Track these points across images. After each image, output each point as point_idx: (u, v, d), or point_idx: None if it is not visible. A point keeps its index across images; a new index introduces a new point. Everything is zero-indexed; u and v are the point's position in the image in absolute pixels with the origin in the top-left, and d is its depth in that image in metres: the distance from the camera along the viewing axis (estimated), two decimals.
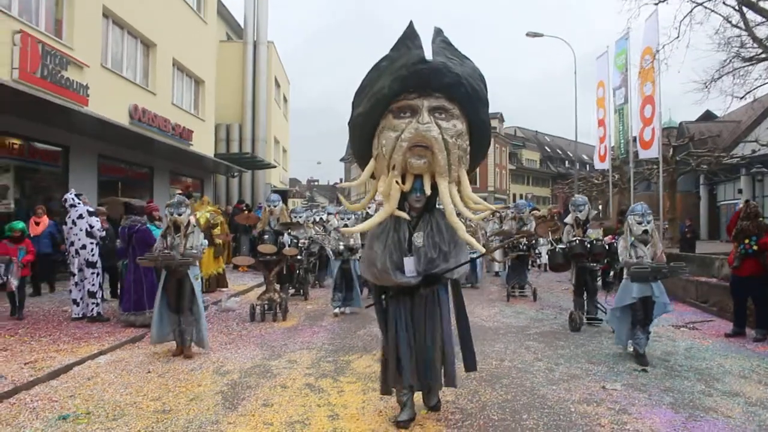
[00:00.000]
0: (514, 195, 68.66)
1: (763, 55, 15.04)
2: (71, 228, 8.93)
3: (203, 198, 17.11)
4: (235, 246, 16.60)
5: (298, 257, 10.74)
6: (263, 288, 10.32)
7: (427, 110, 4.39)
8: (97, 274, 8.97)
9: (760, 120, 29.51)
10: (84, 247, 8.85)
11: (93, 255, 8.92)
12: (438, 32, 4.78)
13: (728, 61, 14.91)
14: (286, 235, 9.97)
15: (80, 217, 8.87)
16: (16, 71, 12.03)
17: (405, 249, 4.59)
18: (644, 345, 6.90)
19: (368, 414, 4.89)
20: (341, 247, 10.26)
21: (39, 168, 14.16)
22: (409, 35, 4.39)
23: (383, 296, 4.80)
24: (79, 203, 9.01)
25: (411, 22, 4.45)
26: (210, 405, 5.24)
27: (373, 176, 4.86)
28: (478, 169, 64.13)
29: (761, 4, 14.47)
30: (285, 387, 5.80)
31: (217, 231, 13.39)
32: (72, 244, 8.93)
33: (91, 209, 9.08)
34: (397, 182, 4.47)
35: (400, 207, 4.61)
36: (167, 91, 20.16)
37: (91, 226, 8.89)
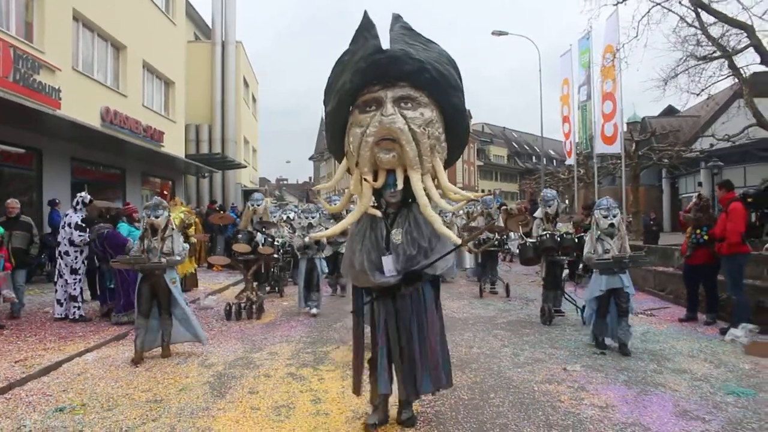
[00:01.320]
0: (483, 190, 69.39)
1: (716, 54, 15.77)
2: (62, 229, 9.25)
3: (176, 199, 17.28)
4: (210, 246, 16.82)
5: (274, 256, 10.85)
6: (239, 287, 10.61)
7: (391, 101, 4.22)
8: (79, 280, 9.20)
9: (717, 115, 30.46)
10: (67, 253, 9.10)
11: (75, 261, 9.15)
12: (396, 18, 4.64)
13: (683, 59, 15.58)
14: (259, 234, 10.07)
15: (69, 225, 9.11)
16: None
17: (383, 247, 4.41)
18: (609, 333, 7.22)
19: (348, 397, 5.25)
20: (306, 240, 10.06)
21: (12, 171, 14.24)
22: (366, 26, 4.22)
23: (369, 297, 4.59)
24: (80, 209, 9.30)
25: (366, 12, 4.29)
26: (199, 394, 5.58)
27: (350, 174, 4.66)
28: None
29: (713, 5, 15.18)
30: (268, 376, 6.17)
31: (191, 231, 13.62)
32: (58, 244, 9.21)
33: (79, 222, 9.22)
34: (365, 179, 4.33)
35: (377, 204, 4.50)
36: (138, 92, 20.27)
37: (72, 240, 9.11)
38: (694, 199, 9.37)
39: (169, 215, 7.35)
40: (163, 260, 6.95)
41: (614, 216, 7.21)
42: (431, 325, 4.46)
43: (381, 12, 4.78)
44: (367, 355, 4.65)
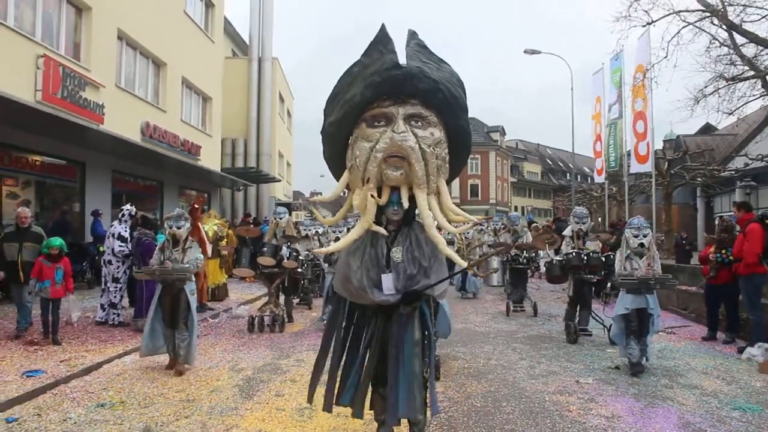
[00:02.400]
0: (515, 207, 69.39)
1: (747, 74, 15.80)
2: (108, 239, 9.79)
3: (210, 211, 17.83)
4: (236, 258, 17.28)
5: (298, 270, 10.65)
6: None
7: (402, 118, 4.13)
8: (120, 288, 9.67)
9: (754, 134, 30.20)
10: (110, 262, 9.61)
11: (117, 271, 9.64)
12: (412, 35, 4.56)
13: (712, 80, 15.63)
14: (284, 248, 10.08)
15: (113, 235, 9.63)
16: (40, 93, 12.82)
17: (383, 265, 4.29)
18: (637, 356, 6.98)
19: (368, 401, 5.55)
20: (334, 257, 9.84)
21: (57, 183, 14.95)
22: (382, 39, 4.16)
23: (355, 313, 4.53)
24: (125, 221, 9.83)
25: (383, 26, 4.23)
26: (229, 395, 5.97)
27: (348, 188, 4.55)
28: (479, 181, 65.13)
29: (745, 25, 15.24)
30: (294, 381, 6.53)
31: (223, 243, 14.10)
32: (102, 253, 9.76)
33: (123, 233, 9.68)
34: (372, 196, 4.19)
35: (377, 220, 4.34)
36: (177, 108, 21.00)
37: (113, 250, 9.61)
38: (717, 221, 9.50)
39: (192, 227, 7.48)
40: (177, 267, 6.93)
41: (645, 236, 7.16)
42: (427, 346, 4.36)
43: (402, 27, 4.76)
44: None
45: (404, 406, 4.14)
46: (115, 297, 9.55)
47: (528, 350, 8.27)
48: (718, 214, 35.02)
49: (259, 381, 6.55)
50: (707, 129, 39.08)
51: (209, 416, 5.30)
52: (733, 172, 28.55)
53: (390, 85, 4.09)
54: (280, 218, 10.36)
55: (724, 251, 8.91)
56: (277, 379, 6.63)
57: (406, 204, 4.23)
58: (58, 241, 8.27)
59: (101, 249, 13.63)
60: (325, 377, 4.49)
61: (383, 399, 4.40)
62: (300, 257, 10.67)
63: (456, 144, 4.47)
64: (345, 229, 10.44)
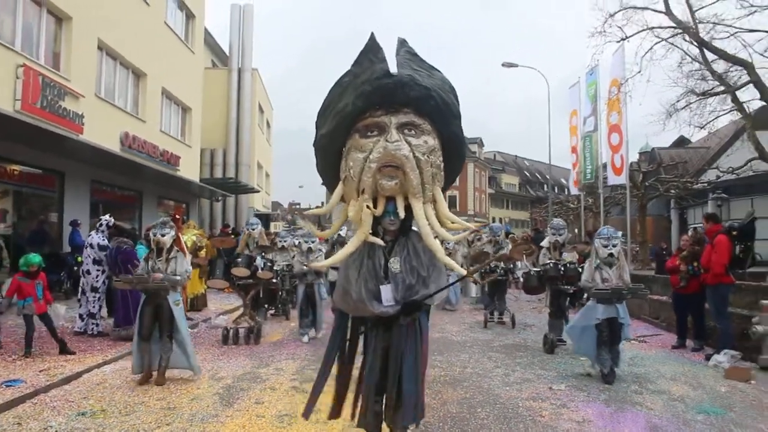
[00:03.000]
0: (493, 218, 69.89)
1: (717, 89, 16.24)
2: (86, 249, 9.79)
3: (189, 222, 17.83)
4: (210, 269, 17.26)
5: (273, 280, 10.59)
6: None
7: (395, 127, 4.10)
8: (99, 298, 9.68)
9: (725, 147, 30.85)
10: (89, 272, 9.62)
11: (97, 280, 9.66)
12: (402, 43, 4.54)
13: (683, 94, 16.04)
14: (259, 258, 9.96)
15: (91, 245, 9.64)
16: (19, 102, 12.80)
17: (381, 276, 4.27)
18: (609, 364, 7.10)
19: (346, 408, 5.66)
20: (305, 268, 9.92)
21: (36, 192, 14.89)
22: (372, 48, 4.13)
23: (361, 327, 4.54)
24: (102, 232, 9.85)
25: (372, 34, 4.19)
26: (209, 403, 6.06)
27: (343, 199, 4.51)
28: (457, 193, 65.55)
29: (715, 42, 15.68)
30: (274, 389, 6.64)
31: (202, 253, 14.13)
32: (81, 264, 9.76)
33: (102, 242, 9.71)
34: (368, 207, 4.15)
35: (374, 231, 4.30)
36: (156, 118, 20.98)
37: (95, 260, 9.63)
38: (690, 233, 9.77)
39: (176, 235, 7.33)
40: (161, 277, 6.87)
41: (614, 246, 7.25)
42: (424, 356, 4.41)
43: (387, 37, 4.70)
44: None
45: (409, 414, 4.19)
46: (93, 307, 9.56)
47: (503, 359, 8.45)
48: (692, 226, 35.72)
49: (239, 389, 6.65)
50: (681, 142, 39.78)
51: (190, 423, 5.39)
52: (706, 185, 29.13)
53: (381, 94, 4.08)
54: (253, 229, 10.34)
55: (696, 264, 9.16)
56: (256, 387, 6.73)
57: (402, 214, 4.20)
58: (36, 258, 8.12)
59: (79, 259, 13.63)
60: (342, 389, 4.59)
61: (381, 409, 4.36)
62: (275, 268, 10.53)
63: (449, 151, 4.45)
64: (316, 240, 10.31)
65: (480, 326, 11.58)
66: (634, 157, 35.13)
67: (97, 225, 10.05)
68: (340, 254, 4.47)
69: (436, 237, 4.28)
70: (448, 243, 12.19)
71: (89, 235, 10.08)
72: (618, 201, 33.35)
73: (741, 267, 8.96)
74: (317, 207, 4.81)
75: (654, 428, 5.30)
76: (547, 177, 52.18)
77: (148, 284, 6.87)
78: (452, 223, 4.47)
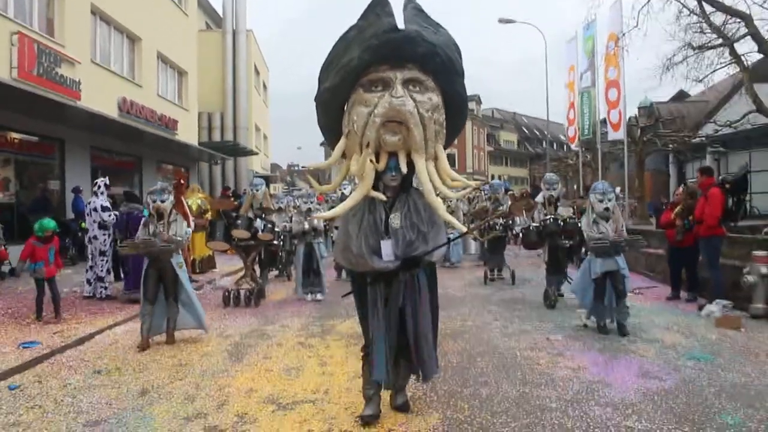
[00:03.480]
0: (492, 176, 69.83)
1: (714, 43, 16.21)
2: (89, 216, 9.93)
3: (193, 186, 17.97)
4: (210, 231, 17.38)
5: (273, 242, 10.57)
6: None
7: (400, 83, 4.10)
8: (106, 261, 9.88)
9: (724, 101, 30.78)
10: (96, 237, 9.78)
11: (104, 245, 9.83)
12: None
13: (680, 48, 16.01)
14: (258, 220, 9.89)
15: (95, 209, 9.78)
16: (15, 70, 12.85)
17: (382, 231, 4.28)
18: (605, 316, 7.28)
19: (351, 361, 5.92)
20: (306, 227, 9.97)
21: (37, 160, 15.00)
22: (379, 2, 4.12)
23: (363, 282, 4.49)
24: (102, 193, 9.93)
25: None
26: (219, 359, 6.30)
27: (344, 155, 4.52)
28: (456, 151, 65.50)
29: None
30: (280, 345, 6.88)
31: (207, 216, 14.30)
32: (87, 231, 9.92)
33: (105, 204, 9.83)
34: (371, 161, 4.17)
35: (375, 187, 4.29)
36: (153, 83, 21.00)
37: (104, 221, 9.77)
38: (681, 187, 9.90)
39: (176, 200, 7.48)
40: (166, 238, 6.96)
41: (609, 200, 7.26)
42: (424, 311, 4.40)
43: None
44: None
45: (430, 368, 4.43)
46: (101, 271, 9.77)
47: (502, 312, 8.69)
48: (689, 181, 35.88)
49: (247, 346, 6.89)
50: (680, 96, 39.58)
51: (202, 378, 5.63)
52: (704, 139, 29.16)
53: (388, 49, 4.06)
54: (257, 190, 10.30)
55: (691, 217, 9.31)
56: (263, 344, 6.97)
57: (404, 169, 4.25)
58: (51, 223, 8.24)
59: (83, 225, 13.81)
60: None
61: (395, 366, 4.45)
62: (276, 229, 10.45)
63: (452, 109, 4.45)
64: (315, 199, 10.33)
65: (480, 282, 11.79)
66: (631, 112, 35.07)
67: (95, 189, 10.15)
68: (341, 207, 4.55)
69: (437, 194, 4.35)
70: (450, 200, 12.32)
71: (89, 202, 10.18)
72: (616, 156, 33.36)
73: (733, 219, 9.15)
74: (315, 168, 4.78)
75: (645, 373, 5.53)
76: (546, 133, 52.26)
77: (154, 248, 6.91)
78: (453, 180, 4.48)
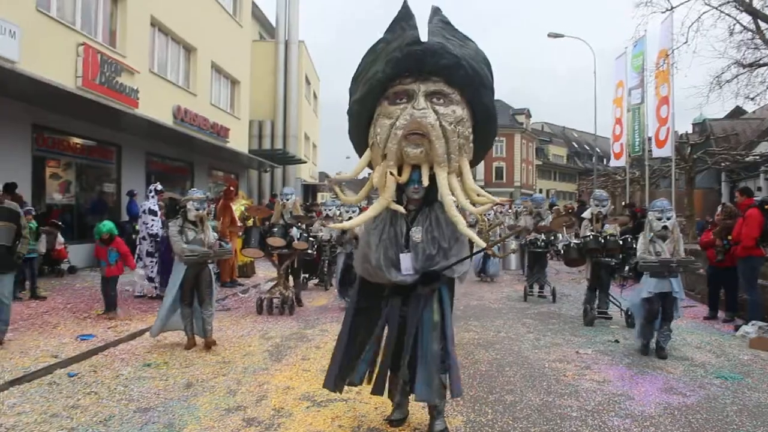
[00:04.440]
0: (540, 190, 69.40)
1: (765, 60, 15.98)
2: (140, 217, 10.50)
3: (239, 193, 18.53)
4: (245, 238, 17.63)
5: (309, 251, 10.44)
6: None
7: (423, 95, 4.12)
8: (155, 263, 10.35)
9: None
10: (145, 238, 10.30)
11: (152, 246, 10.33)
12: (435, 11, 4.53)
13: (728, 67, 15.85)
14: (294, 228, 9.86)
15: (145, 212, 10.32)
16: (80, 79, 13.55)
17: (402, 244, 4.26)
18: (650, 338, 7.10)
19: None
20: (347, 236, 9.90)
21: (96, 164, 15.73)
22: (404, 16, 4.17)
23: (383, 294, 4.46)
24: (153, 197, 10.46)
25: (405, 2, 4.24)
26: (260, 358, 6.66)
27: (372, 167, 4.52)
28: (504, 164, 65.26)
29: (766, 11, 15.39)
30: (318, 348, 7.20)
31: (249, 222, 14.77)
32: (139, 232, 10.49)
33: (153, 208, 10.33)
34: (391, 173, 4.17)
35: (398, 200, 4.33)
36: (206, 92, 21.72)
37: (146, 224, 10.28)
38: (720, 208, 9.89)
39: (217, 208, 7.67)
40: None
41: (668, 218, 7.06)
42: (447, 329, 4.30)
43: (426, 5, 4.63)
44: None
45: (422, 391, 4.15)
46: (151, 271, 10.27)
47: (536, 325, 8.84)
48: (766, 197, 34.87)
49: (287, 347, 7.24)
50: (736, 113, 38.73)
51: (243, 375, 5.99)
52: (757, 157, 28.53)
53: (411, 61, 4.10)
54: (287, 200, 10.10)
55: (729, 237, 9.32)
56: (303, 346, 7.31)
57: (425, 182, 4.21)
58: (106, 227, 8.64)
59: (136, 227, 14.47)
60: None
61: (399, 381, 4.47)
62: (323, 236, 10.53)
63: (481, 124, 4.44)
64: (358, 210, 10.03)
65: (517, 295, 11.84)
66: (686, 128, 34.47)
67: (148, 193, 10.72)
68: (360, 218, 4.68)
69: (458, 207, 4.30)
70: (488, 215, 12.38)
71: (142, 204, 10.76)
72: (665, 174, 32.89)
73: None
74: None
75: (669, 389, 5.65)
76: (596, 149, 51.74)
77: (213, 256, 7.25)
78: (477, 195, 4.40)
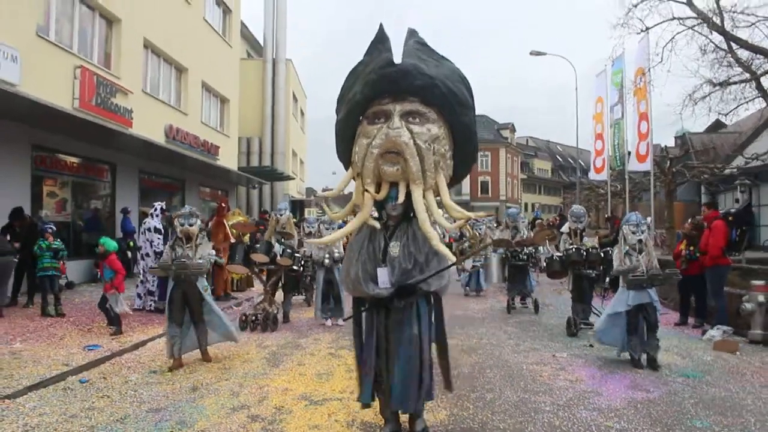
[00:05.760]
0: (525, 204, 70.23)
1: (736, 79, 16.71)
2: (143, 234, 10.93)
3: (235, 210, 18.95)
4: (230, 254, 17.81)
5: (293, 267, 10.36)
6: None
7: (398, 115, 4.25)
8: (156, 277, 10.66)
9: (756, 134, 30.95)
10: (148, 255, 10.74)
11: (155, 262, 10.73)
12: (412, 33, 4.66)
13: (699, 86, 16.55)
14: (277, 245, 9.92)
15: (149, 229, 10.77)
16: (77, 101, 14.01)
17: (379, 259, 4.46)
18: (640, 350, 7.15)
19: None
20: (326, 258, 10.04)
21: (91, 183, 16.17)
22: (380, 38, 4.34)
23: (361, 308, 4.68)
24: (157, 216, 10.89)
25: (381, 25, 4.41)
26: (258, 365, 7.14)
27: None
28: (489, 178, 65.98)
29: (737, 32, 16.11)
30: (313, 354, 7.69)
31: (245, 239, 15.23)
32: (140, 248, 10.90)
33: (158, 226, 10.78)
34: (366, 190, 4.36)
35: (380, 216, 4.58)
36: (197, 110, 22.22)
37: (151, 243, 10.72)
38: (689, 220, 10.51)
39: (204, 225, 7.52)
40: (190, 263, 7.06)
41: (642, 232, 7.24)
42: (423, 341, 4.46)
43: (419, 23, 4.74)
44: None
45: (398, 400, 4.38)
46: (152, 285, 10.71)
47: (517, 332, 9.38)
48: (730, 209, 35.78)
49: (283, 354, 7.72)
50: (716, 126, 39.59)
51: (244, 378, 6.47)
52: (734, 170, 29.31)
53: (385, 83, 4.25)
54: (281, 215, 10.26)
55: (692, 248, 9.93)
56: (298, 353, 7.80)
57: (401, 199, 4.37)
58: (102, 240, 8.89)
59: (131, 244, 14.90)
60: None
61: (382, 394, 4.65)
62: (296, 255, 10.37)
63: (460, 142, 4.56)
64: (337, 227, 9.76)
65: (501, 306, 12.25)
66: (662, 141, 35.22)
67: (152, 211, 11.16)
68: (337, 233, 5.03)
69: (434, 223, 4.44)
70: (479, 230, 12.88)
71: (144, 222, 11.20)
72: (646, 187, 33.63)
73: (737, 250, 9.72)
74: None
75: (635, 386, 6.18)
76: (581, 162, 52.73)
77: (186, 270, 7.04)
78: (456, 211, 4.53)
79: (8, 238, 10.07)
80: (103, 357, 7.29)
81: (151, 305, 10.70)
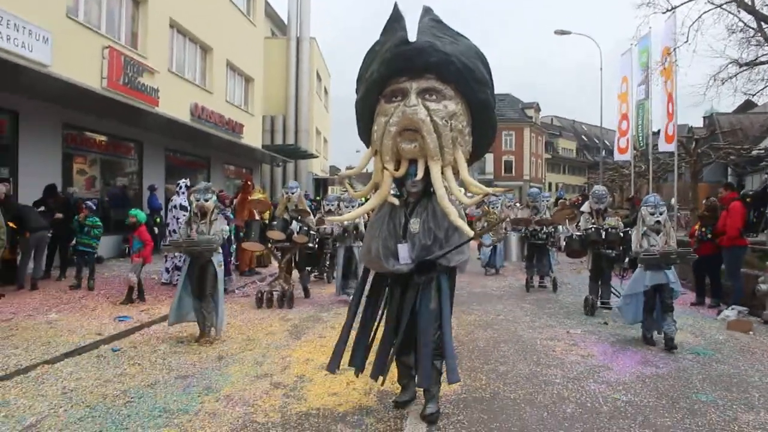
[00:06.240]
0: (549, 184, 69.85)
1: (763, 59, 16.50)
2: (170, 211, 11.30)
3: (256, 187, 19.25)
4: (246, 231, 18.00)
5: (310, 245, 10.24)
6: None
7: (415, 92, 4.29)
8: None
9: None
10: (175, 231, 11.03)
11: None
12: (427, 11, 4.65)
13: (724, 66, 16.37)
14: (294, 222, 9.84)
15: (175, 207, 11.09)
16: (105, 80, 14.34)
17: (400, 235, 4.53)
18: (653, 329, 7.25)
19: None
20: (335, 229, 10.22)
21: (118, 161, 16.57)
22: (395, 17, 4.35)
23: (384, 284, 4.78)
24: (183, 193, 11.14)
25: (396, 4, 4.41)
26: (281, 337, 7.43)
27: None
28: (513, 158, 65.68)
29: (766, 10, 15.89)
30: (333, 327, 7.94)
31: (266, 215, 15.49)
32: (168, 225, 11.24)
33: (183, 203, 11.02)
34: (385, 168, 4.42)
35: (400, 193, 4.65)
36: (222, 89, 22.52)
37: (178, 219, 11.03)
38: (704, 202, 10.55)
39: (216, 199, 7.43)
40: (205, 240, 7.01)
41: (661, 213, 7.24)
42: (444, 317, 4.49)
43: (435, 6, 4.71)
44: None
45: (427, 377, 4.40)
46: (180, 261, 11.03)
47: (534, 309, 9.58)
48: (749, 191, 35.35)
49: (305, 327, 8.01)
50: (746, 106, 39.01)
51: (267, 349, 6.76)
52: (762, 151, 28.94)
53: (401, 61, 4.30)
54: (292, 193, 10.11)
55: (704, 229, 10.00)
56: (319, 326, 8.09)
57: (420, 175, 4.43)
58: (132, 210, 9.63)
59: (158, 220, 15.28)
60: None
61: (404, 366, 4.82)
62: (311, 232, 10.20)
63: (478, 118, 4.61)
64: (358, 205, 10.06)
65: (520, 284, 12.44)
66: (692, 122, 34.75)
67: (176, 189, 11.47)
68: (355, 212, 5.27)
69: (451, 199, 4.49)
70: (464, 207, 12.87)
71: (171, 200, 11.52)
72: (671, 168, 33.33)
73: (755, 231, 9.77)
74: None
75: (645, 362, 6.36)
76: (606, 142, 52.08)
77: (197, 247, 7.01)
78: (474, 187, 4.57)
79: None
80: (133, 327, 7.64)
81: (177, 279, 11.02)
